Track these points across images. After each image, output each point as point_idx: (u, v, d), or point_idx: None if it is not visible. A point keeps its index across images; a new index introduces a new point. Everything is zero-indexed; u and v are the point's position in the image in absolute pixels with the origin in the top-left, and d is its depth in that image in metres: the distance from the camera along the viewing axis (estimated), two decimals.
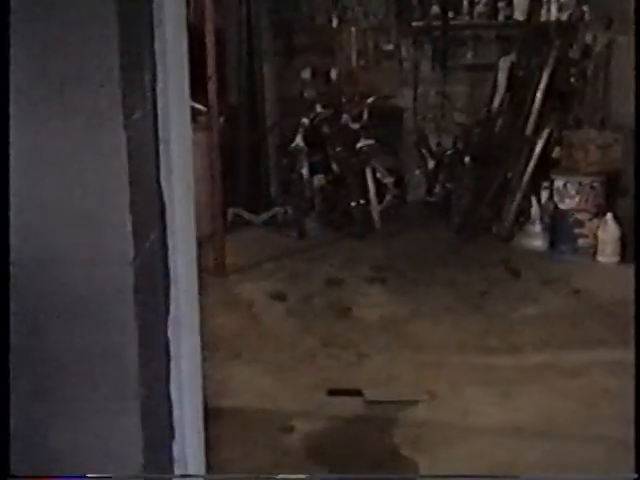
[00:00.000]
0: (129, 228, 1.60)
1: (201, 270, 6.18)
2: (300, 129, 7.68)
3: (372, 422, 4.39)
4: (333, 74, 8.20)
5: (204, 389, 2.21)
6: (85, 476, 1.81)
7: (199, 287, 2.39)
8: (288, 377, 4.87)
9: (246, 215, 7.84)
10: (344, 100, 8.02)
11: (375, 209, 7.56)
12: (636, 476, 2.17)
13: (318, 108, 7.86)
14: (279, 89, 8.07)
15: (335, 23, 8.28)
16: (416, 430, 4.28)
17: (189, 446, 2.05)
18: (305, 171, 7.67)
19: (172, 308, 2.03)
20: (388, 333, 5.52)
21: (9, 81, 1.59)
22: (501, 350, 5.17)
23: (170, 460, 2.03)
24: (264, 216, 7.87)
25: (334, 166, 7.84)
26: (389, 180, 7.69)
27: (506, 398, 4.53)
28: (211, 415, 4.35)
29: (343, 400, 4.60)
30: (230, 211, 7.79)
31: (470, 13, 8.31)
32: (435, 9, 8.28)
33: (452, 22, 8.29)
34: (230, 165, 7.89)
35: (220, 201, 6.54)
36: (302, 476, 3.52)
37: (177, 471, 2.04)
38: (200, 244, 6.84)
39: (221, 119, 7.80)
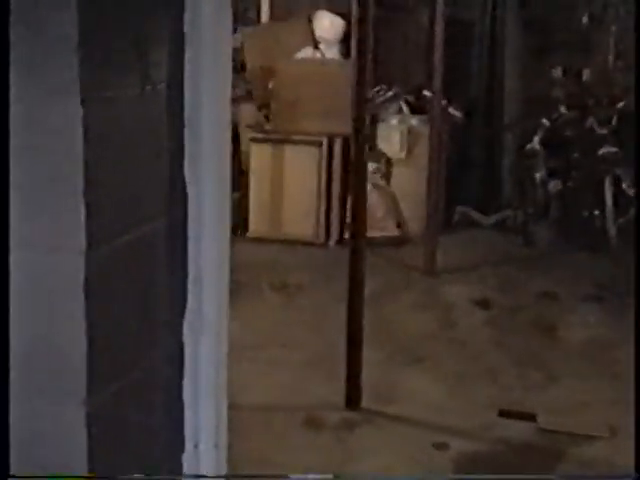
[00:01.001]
0: (82, 215, 1.44)
1: (408, 268, 5.99)
2: (539, 130, 7.26)
3: (537, 452, 4.01)
4: (585, 74, 7.68)
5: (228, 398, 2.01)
6: (87, 476, 1.70)
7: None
8: (464, 391, 4.57)
9: (474, 215, 7.54)
10: (591, 103, 7.48)
11: (612, 222, 7.00)
12: (636, 476, 2.11)
13: (562, 109, 7.39)
14: (521, 86, 7.66)
15: (593, 21, 7.74)
16: (583, 470, 3.86)
17: (203, 461, 1.87)
18: (540, 175, 7.24)
19: (190, 308, 1.85)
20: (589, 358, 5.06)
21: (9, 81, 1.46)
22: None
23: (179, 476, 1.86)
24: (493, 218, 7.53)
25: (573, 172, 7.35)
26: (632, 192, 7.10)
27: None
28: (369, 419, 4.21)
29: (513, 424, 4.24)
30: (458, 210, 7.53)
31: None
32: None
33: None
34: (463, 161, 7.63)
35: (436, 198, 6.29)
36: (309, 475, 3.28)
37: None
38: (413, 240, 6.69)
39: (459, 113, 7.56)
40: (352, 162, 4.39)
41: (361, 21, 4.18)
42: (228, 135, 1.91)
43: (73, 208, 1.46)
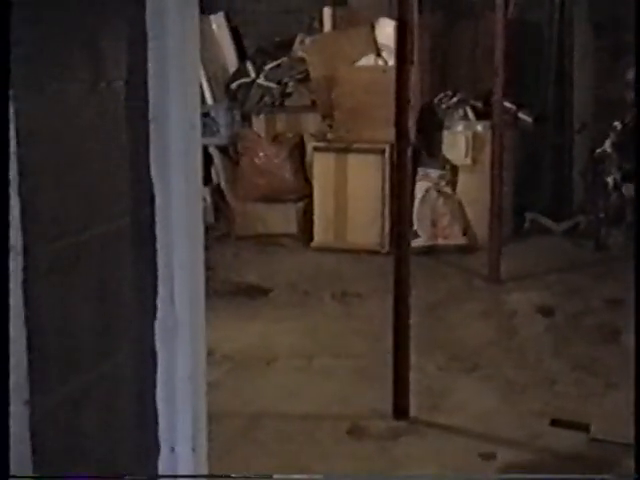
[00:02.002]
0: (17, 214, 1.43)
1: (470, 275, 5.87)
2: (611, 133, 7.08)
3: (587, 463, 3.89)
4: None
5: (206, 405, 1.98)
6: (87, 476, 1.70)
7: None
8: (517, 399, 4.47)
9: (545, 222, 7.38)
10: None
11: None
12: (636, 476, 2.08)
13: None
14: (593, 89, 7.48)
15: None
16: None
17: (181, 465, 1.85)
18: (612, 179, 7.05)
19: (161, 309, 1.83)
20: None
21: (9, 81, 1.46)
22: None
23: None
24: (565, 224, 7.36)
25: None
26: None
27: None
28: (415, 429, 4.14)
29: (565, 433, 4.12)
30: (528, 216, 7.39)
31: None
32: None
33: None
34: (534, 167, 7.49)
35: (499, 205, 6.18)
36: (305, 476, 3.22)
37: None
38: (480, 248, 6.57)
39: (530, 118, 7.44)
40: (395, 170, 4.32)
41: (401, 26, 4.13)
42: (198, 133, 1.90)
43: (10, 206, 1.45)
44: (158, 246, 1.82)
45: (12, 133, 1.43)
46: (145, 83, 1.78)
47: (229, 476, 2.31)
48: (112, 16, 1.69)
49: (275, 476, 3.29)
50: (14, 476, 1.54)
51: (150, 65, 1.78)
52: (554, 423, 4.18)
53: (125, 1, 1.72)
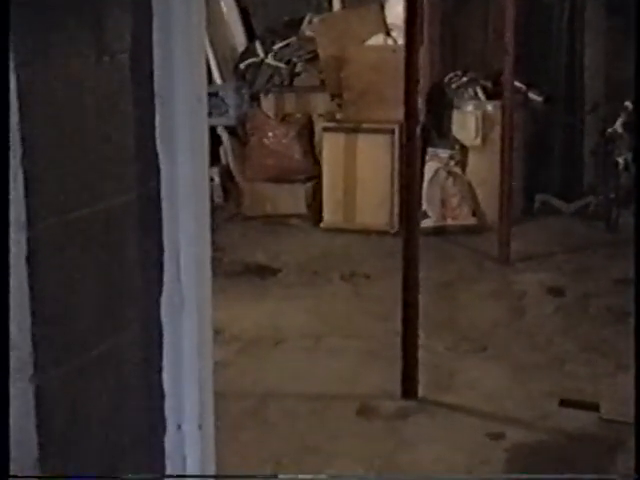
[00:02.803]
0: (21, 189, 1.41)
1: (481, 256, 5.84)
2: (622, 113, 7.03)
3: (596, 442, 3.88)
4: None
5: (213, 381, 1.96)
6: (88, 476, 1.69)
7: None
8: (526, 379, 4.45)
9: (555, 202, 7.35)
10: None
11: None
12: (636, 476, 2.07)
13: None
14: (604, 69, 7.42)
15: None
16: None
17: (188, 442, 1.84)
18: (623, 159, 7.00)
19: (167, 286, 1.82)
20: None
21: (9, 82, 1.45)
22: None
23: (161, 456, 1.83)
24: (574, 205, 7.32)
25: None
26: None
27: None
28: (424, 408, 4.14)
29: (574, 413, 4.11)
30: (538, 197, 7.36)
31: None
32: None
33: None
34: (544, 147, 7.44)
35: (509, 185, 6.14)
36: (308, 476, 3.21)
37: (170, 468, 1.85)
38: (490, 229, 6.54)
39: (540, 97, 7.39)
40: (403, 151, 4.29)
41: (411, 5, 4.09)
42: (204, 107, 1.88)
43: (12, 181, 1.44)
44: (164, 222, 1.81)
45: (15, 106, 1.41)
46: (150, 57, 1.76)
47: (234, 476, 2.30)
48: None
49: (280, 476, 3.29)
50: (14, 476, 1.53)
51: (155, 38, 1.76)
52: (563, 403, 4.17)
53: None
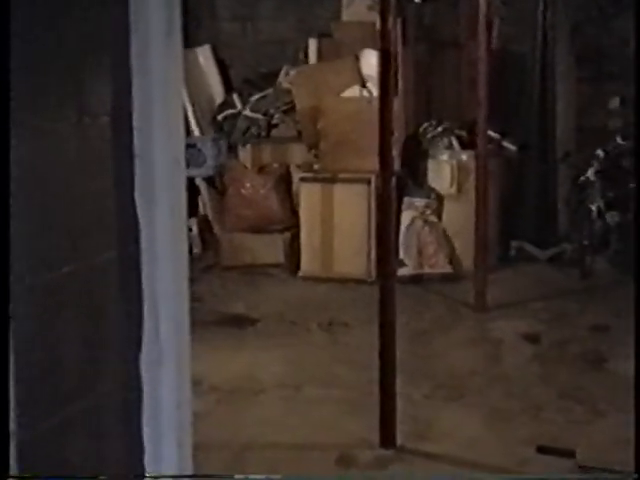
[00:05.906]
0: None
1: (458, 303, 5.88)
2: (593, 162, 7.15)
3: None
4: None
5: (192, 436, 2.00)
6: (87, 477, 1.71)
7: None
8: (503, 427, 4.49)
9: (531, 249, 7.43)
10: None
11: None
12: (636, 476, 2.13)
13: (618, 139, 7.27)
14: (575, 118, 7.56)
15: None
16: None
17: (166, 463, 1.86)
18: (596, 206, 7.11)
19: (147, 339, 1.86)
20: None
21: (9, 84, 1.49)
22: None
23: None
24: (550, 252, 7.41)
25: (631, 203, 7.20)
26: None
27: None
28: (401, 457, 4.16)
29: (552, 460, 4.14)
30: (514, 244, 7.45)
31: None
32: None
33: None
34: (518, 195, 7.55)
35: (483, 233, 6.22)
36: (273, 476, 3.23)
37: None
38: (466, 276, 6.59)
39: (514, 146, 7.50)
40: (379, 201, 4.36)
41: (384, 56, 4.17)
42: (182, 167, 1.93)
43: None
44: (143, 280, 1.85)
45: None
46: (130, 118, 1.81)
47: (228, 476, 2.31)
48: (95, 51, 1.71)
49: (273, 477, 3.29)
50: (14, 476, 1.56)
51: (134, 99, 1.81)
52: (540, 450, 4.20)
53: (109, 35, 1.75)
